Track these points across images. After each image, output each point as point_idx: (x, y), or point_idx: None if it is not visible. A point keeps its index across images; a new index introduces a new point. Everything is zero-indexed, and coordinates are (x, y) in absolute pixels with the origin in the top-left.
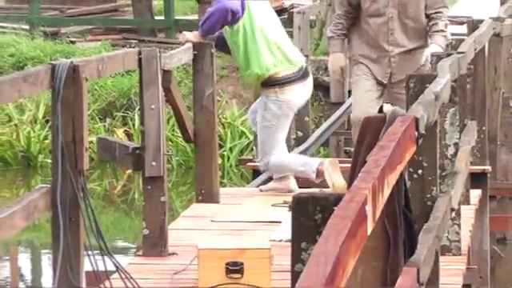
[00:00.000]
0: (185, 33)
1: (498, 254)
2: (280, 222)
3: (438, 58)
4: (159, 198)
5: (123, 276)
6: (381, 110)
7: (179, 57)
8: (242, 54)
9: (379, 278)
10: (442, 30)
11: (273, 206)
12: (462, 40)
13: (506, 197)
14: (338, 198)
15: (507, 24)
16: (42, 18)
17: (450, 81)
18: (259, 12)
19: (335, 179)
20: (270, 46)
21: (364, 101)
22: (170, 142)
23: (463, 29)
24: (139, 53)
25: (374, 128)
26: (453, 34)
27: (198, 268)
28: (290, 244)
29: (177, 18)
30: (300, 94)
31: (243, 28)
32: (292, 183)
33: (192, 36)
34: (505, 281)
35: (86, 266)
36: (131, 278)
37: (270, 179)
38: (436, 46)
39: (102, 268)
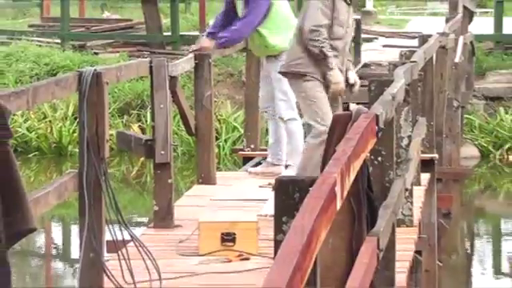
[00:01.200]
0: (204, 39)
1: (443, 226)
2: (266, 200)
3: (394, 65)
4: (167, 181)
5: (137, 244)
6: (347, 109)
7: (183, 65)
8: None
9: (346, 246)
10: None
11: (260, 187)
12: (414, 51)
13: (449, 179)
14: (312, 181)
15: (451, 38)
16: (71, 34)
17: (404, 84)
18: None
19: None
20: None
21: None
22: (175, 135)
23: (415, 42)
24: (150, 62)
25: (342, 123)
26: (406, 47)
27: (198, 237)
28: (273, 218)
29: (181, 33)
30: None
31: None
32: (281, 171)
33: (209, 44)
34: (448, 247)
35: (107, 236)
36: (144, 245)
37: (258, 164)
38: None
39: (119, 238)
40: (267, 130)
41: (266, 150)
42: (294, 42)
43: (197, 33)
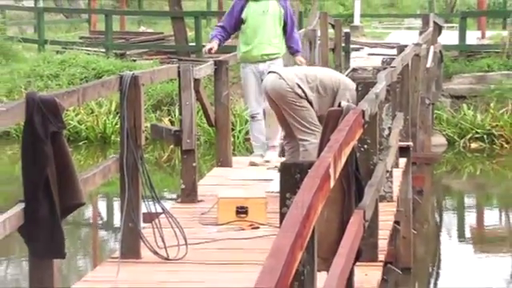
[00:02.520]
0: (300, 59)
1: (417, 201)
2: (272, 180)
3: (377, 70)
4: (192, 164)
5: (167, 216)
6: (339, 105)
7: (205, 70)
8: None
9: (338, 217)
10: None
11: (267, 169)
12: (393, 59)
13: (422, 163)
14: (311, 164)
15: (423, 48)
16: (113, 44)
17: (385, 86)
18: None
19: None
20: None
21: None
22: (198, 127)
23: (394, 51)
24: (178, 67)
25: (334, 118)
26: (387, 55)
27: (217, 210)
28: (278, 194)
29: (203, 44)
30: None
31: None
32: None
33: (215, 45)
34: (421, 219)
35: (143, 209)
36: (173, 217)
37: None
38: None
39: (153, 210)
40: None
41: None
42: None
43: None
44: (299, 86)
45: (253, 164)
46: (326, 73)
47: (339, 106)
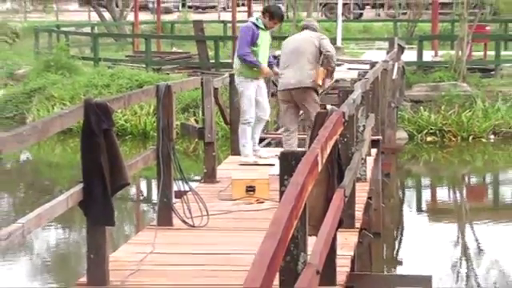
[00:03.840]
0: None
1: (385, 181)
2: (273, 165)
3: (354, 81)
4: (212, 153)
5: (193, 193)
6: (324, 108)
7: (222, 81)
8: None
9: (324, 194)
10: None
11: (271, 156)
12: (367, 72)
13: (389, 152)
14: (303, 153)
15: (390, 64)
16: (152, 61)
17: (360, 93)
18: None
19: None
20: None
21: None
22: (217, 125)
23: (367, 66)
24: (201, 79)
25: (321, 117)
26: (362, 69)
27: (231, 188)
28: (278, 176)
29: (221, 61)
30: None
31: None
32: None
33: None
34: (388, 195)
35: (174, 187)
36: (197, 194)
37: (268, 144)
38: None
39: (182, 189)
40: (274, 121)
41: (272, 133)
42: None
43: (230, 60)
44: None
45: (245, 163)
46: None
47: (325, 108)
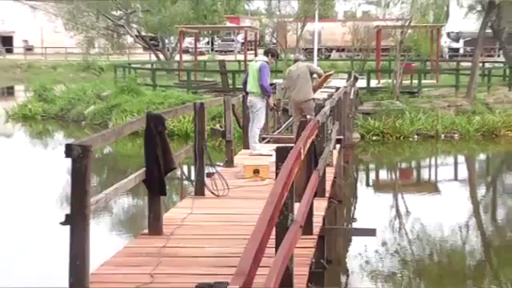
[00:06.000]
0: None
1: (345, 167)
2: (272, 155)
3: (325, 99)
4: (231, 148)
5: (218, 174)
6: (305, 117)
7: (237, 99)
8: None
9: (305, 175)
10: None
11: (270, 150)
12: (333, 94)
13: (348, 147)
14: (291, 148)
15: (348, 88)
16: (191, 87)
17: (330, 108)
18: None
19: None
20: None
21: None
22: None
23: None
24: (224, 99)
25: (304, 124)
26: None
27: (243, 171)
28: (275, 163)
29: (237, 86)
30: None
31: None
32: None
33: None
34: (347, 175)
35: (206, 170)
36: (221, 174)
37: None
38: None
39: (211, 171)
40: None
41: (271, 134)
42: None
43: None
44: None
45: (254, 155)
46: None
47: (305, 117)
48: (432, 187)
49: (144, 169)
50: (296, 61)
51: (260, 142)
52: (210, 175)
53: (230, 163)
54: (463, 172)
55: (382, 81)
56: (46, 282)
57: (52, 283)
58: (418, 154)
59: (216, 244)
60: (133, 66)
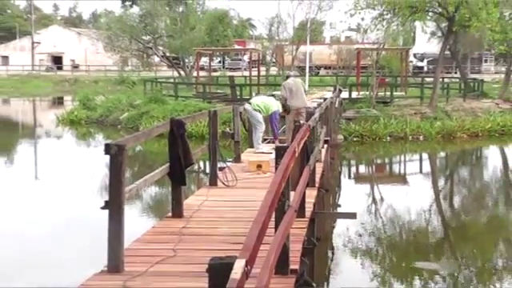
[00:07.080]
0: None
1: (331, 162)
2: (272, 153)
3: (315, 108)
4: (238, 147)
5: (228, 168)
6: (299, 122)
7: (244, 108)
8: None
9: (299, 169)
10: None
11: (271, 148)
12: (321, 103)
13: (333, 146)
14: (287, 147)
15: (334, 98)
16: (206, 97)
17: (319, 114)
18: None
19: None
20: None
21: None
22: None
23: (322, 100)
24: (233, 107)
25: (297, 127)
26: (319, 102)
27: (249, 166)
28: (274, 159)
29: (244, 97)
30: None
31: None
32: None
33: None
34: (333, 168)
35: (218, 165)
36: (230, 168)
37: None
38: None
39: (223, 165)
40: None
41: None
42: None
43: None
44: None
45: (257, 152)
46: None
47: (299, 122)
48: (402, 179)
49: (168, 164)
50: (288, 77)
51: (262, 142)
52: (221, 169)
53: (237, 159)
54: (427, 167)
55: (361, 92)
56: (92, 253)
57: (96, 255)
58: (390, 152)
59: (227, 225)
60: (159, 80)
